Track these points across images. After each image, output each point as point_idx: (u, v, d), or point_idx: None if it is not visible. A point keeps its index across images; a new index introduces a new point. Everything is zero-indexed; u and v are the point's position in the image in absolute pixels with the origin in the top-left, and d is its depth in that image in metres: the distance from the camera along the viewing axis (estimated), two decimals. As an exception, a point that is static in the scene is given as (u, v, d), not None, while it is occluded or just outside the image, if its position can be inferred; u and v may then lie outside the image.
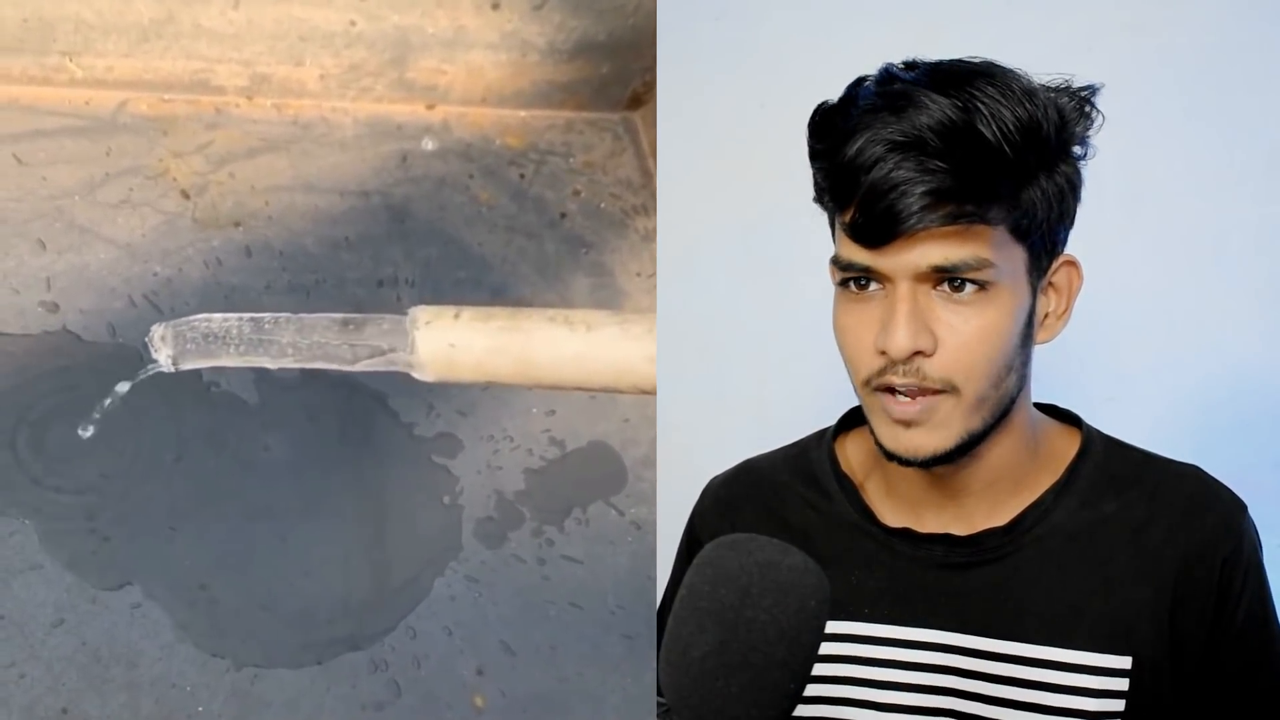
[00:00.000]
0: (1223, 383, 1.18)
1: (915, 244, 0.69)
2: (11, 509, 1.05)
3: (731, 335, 1.39)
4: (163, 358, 0.98)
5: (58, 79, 1.35)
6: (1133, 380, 1.19)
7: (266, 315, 0.95)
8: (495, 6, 1.42)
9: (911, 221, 0.68)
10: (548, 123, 1.51)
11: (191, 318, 0.97)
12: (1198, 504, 0.78)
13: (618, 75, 1.50)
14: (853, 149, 0.69)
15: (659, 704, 0.63)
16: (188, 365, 0.98)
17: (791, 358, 1.31)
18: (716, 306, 1.39)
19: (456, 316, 0.90)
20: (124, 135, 1.35)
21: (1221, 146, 1.18)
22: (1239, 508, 0.78)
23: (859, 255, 0.71)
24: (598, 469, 1.23)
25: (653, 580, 1.16)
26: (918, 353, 0.71)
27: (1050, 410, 0.84)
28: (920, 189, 0.67)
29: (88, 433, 1.09)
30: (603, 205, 1.46)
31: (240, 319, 0.96)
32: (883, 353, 0.71)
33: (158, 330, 0.98)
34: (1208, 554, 0.76)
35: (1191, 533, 0.77)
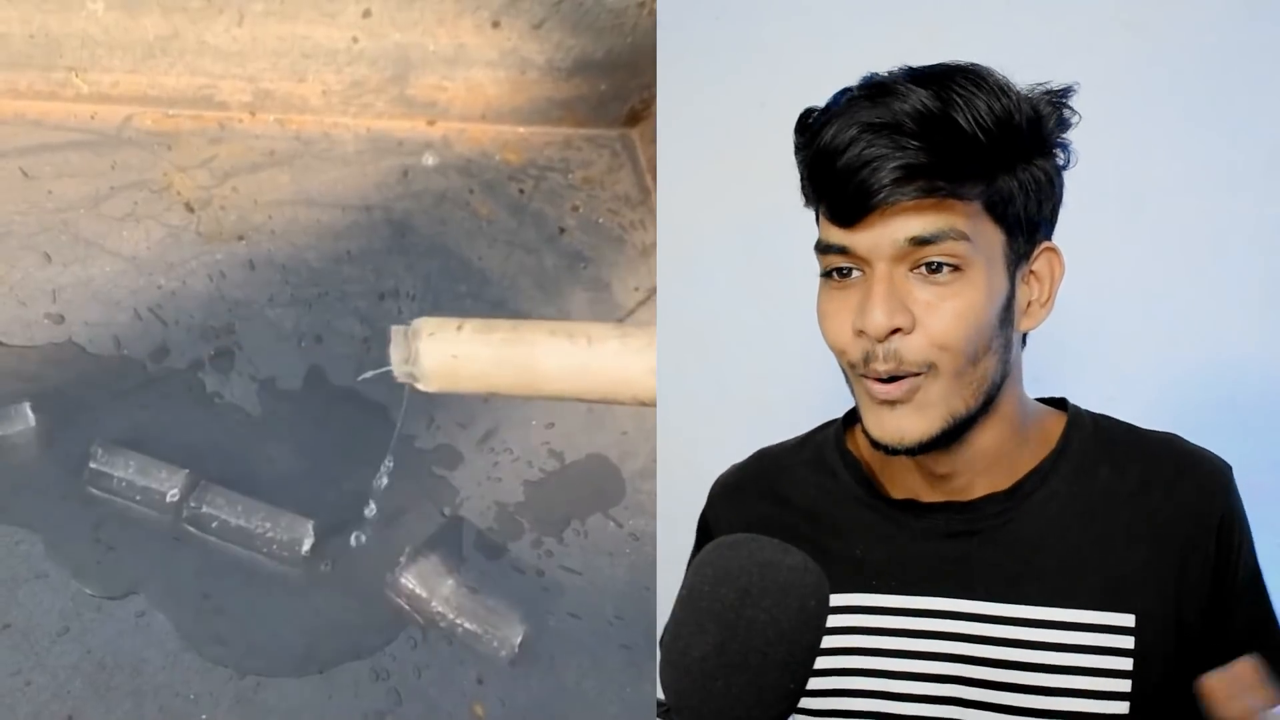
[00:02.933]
0: (1222, 382, 1.19)
1: (889, 219, 0.71)
2: (18, 518, 1.05)
3: (732, 336, 1.39)
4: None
5: (64, 94, 1.37)
6: (1133, 380, 1.19)
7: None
8: (495, 25, 1.43)
9: (883, 194, 0.69)
10: (546, 139, 1.53)
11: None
12: (1187, 465, 0.80)
13: (616, 92, 1.52)
14: (829, 133, 0.71)
15: (659, 704, 0.64)
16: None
17: (793, 363, 1.31)
18: (716, 309, 1.39)
19: (459, 328, 0.92)
20: (129, 150, 1.37)
21: (1221, 146, 1.18)
22: (1226, 468, 0.81)
23: (836, 235, 0.73)
24: (596, 481, 1.24)
25: (650, 591, 1.17)
26: (896, 330, 0.72)
27: (1040, 400, 0.85)
28: (892, 164, 0.69)
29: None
30: (601, 220, 1.47)
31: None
32: (861, 333, 0.73)
33: None
34: (1205, 512, 0.78)
35: (1186, 493, 0.79)
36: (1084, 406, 0.86)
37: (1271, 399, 1.18)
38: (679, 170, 1.41)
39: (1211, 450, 0.82)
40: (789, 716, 0.62)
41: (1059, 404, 0.86)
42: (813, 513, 0.84)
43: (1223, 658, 0.79)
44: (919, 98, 0.69)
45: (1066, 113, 0.75)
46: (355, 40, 1.41)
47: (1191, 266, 1.19)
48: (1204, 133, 1.19)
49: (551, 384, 0.90)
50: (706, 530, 0.89)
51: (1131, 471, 0.80)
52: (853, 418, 0.89)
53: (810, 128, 0.74)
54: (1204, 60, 1.18)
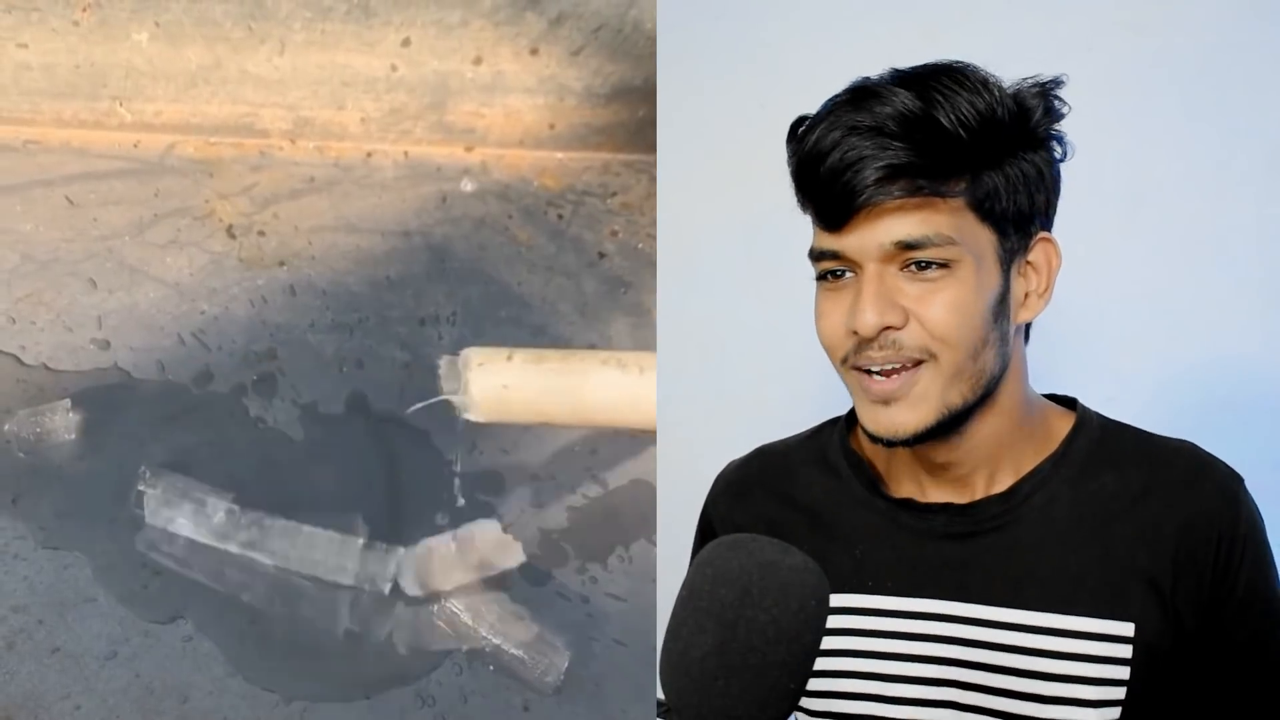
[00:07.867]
0: (1222, 382, 1.18)
1: (876, 220, 0.72)
2: (66, 543, 1.06)
3: (732, 336, 1.39)
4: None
5: (108, 123, 1.39)
6: (1133, 380, 1.19)
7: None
8: (534, 52, 1.44)
9: (867, 195, 0.71)
10: (584, 164, 1.54)
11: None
12: (1194, 475, 0.79)
13: (653, 118, 1.53)
14: (813, 138, 0.73)
15: (659, 704, 0.63)
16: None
17: (795, 362, 1.31)
18: (716, 310, 1.39)
19: (509, 358, 0.93)
20: (172, 177, 1.38)
21: (1221, 146, 1.18)
22: (1236, 479, 0.80)
23: (826, 241, 0.75)
24: (639, 507, 1.24)
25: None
26: (889, 328, 0.73)
27: (1052, 397, 0.85)
28: (876, 164, 0.70)
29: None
30: (640, 245, 1.48)
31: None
32: (854, 332, 0.74)
33: None
34: (1205, 524, 0.77)
35: (1189, 503, 0.78)
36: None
37: (1271, 399, 1.17)
38: (679, 156, 1.41)
39: (1224, 460, 0.81)
40: (789, 716, 0.61)
41: (1070, 404, 0.85)
42: (815, 513, 0.84)
43: (1226, 670, 0.78)
44: (901, 99, 0.71)
45: (1055, 104, 0.76)
46: (394, 68, 1.43)
47: (1191, 266, 1.19)
48: (1204, 133, 1.19)
49: (602, 414, 0.90)
50: (709, 528, 0.89)
51: (1135, 478, 0.79)
52: (856, 415, 0.88)
53: (797, 136, 0.76)
54: (1204, 60, 1.19)
